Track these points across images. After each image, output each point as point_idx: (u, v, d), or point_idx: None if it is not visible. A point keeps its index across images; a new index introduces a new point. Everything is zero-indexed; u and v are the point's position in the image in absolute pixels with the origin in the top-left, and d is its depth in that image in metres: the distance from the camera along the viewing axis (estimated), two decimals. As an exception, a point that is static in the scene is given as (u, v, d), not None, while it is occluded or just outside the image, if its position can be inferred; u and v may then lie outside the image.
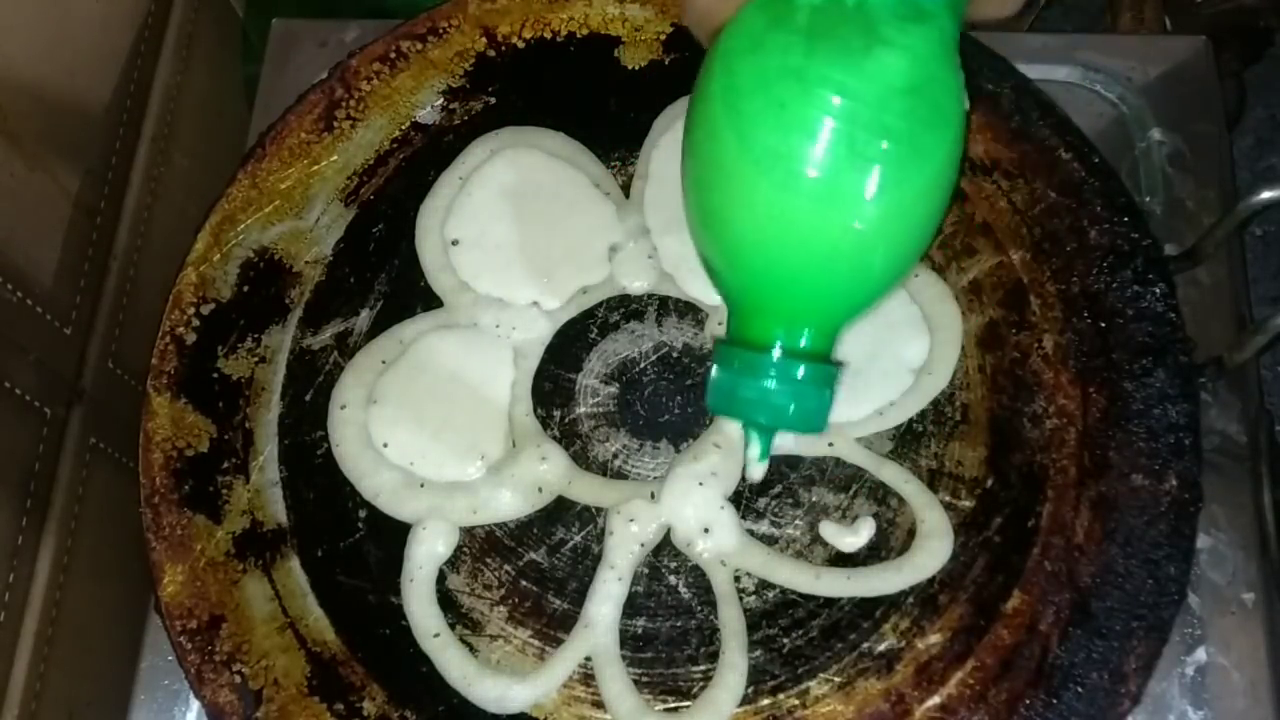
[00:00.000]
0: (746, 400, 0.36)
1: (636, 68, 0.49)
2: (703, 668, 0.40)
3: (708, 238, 0.36)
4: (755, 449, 0.39)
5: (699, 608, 0.41)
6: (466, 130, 0.48)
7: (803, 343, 0.36)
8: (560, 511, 0.43)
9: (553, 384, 0.44)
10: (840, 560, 0.41)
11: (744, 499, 0.42)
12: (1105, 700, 0.38)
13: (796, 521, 0.42)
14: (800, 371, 0.36)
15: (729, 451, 0.42)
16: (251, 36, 0.61)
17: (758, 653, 0.40)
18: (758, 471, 0.39)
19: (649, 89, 0.48)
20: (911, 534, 0.41)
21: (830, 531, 0.41)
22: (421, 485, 0.42)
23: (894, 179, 0.33)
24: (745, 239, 0.35)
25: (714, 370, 0.37)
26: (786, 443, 0.42)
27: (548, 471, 0.43)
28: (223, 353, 0.45)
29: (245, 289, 0.46)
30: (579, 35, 0.49)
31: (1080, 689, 0.38)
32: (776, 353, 0.36)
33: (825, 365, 0.37)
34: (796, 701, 0.39)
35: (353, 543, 0.43)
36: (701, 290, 0.45)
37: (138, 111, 0.54)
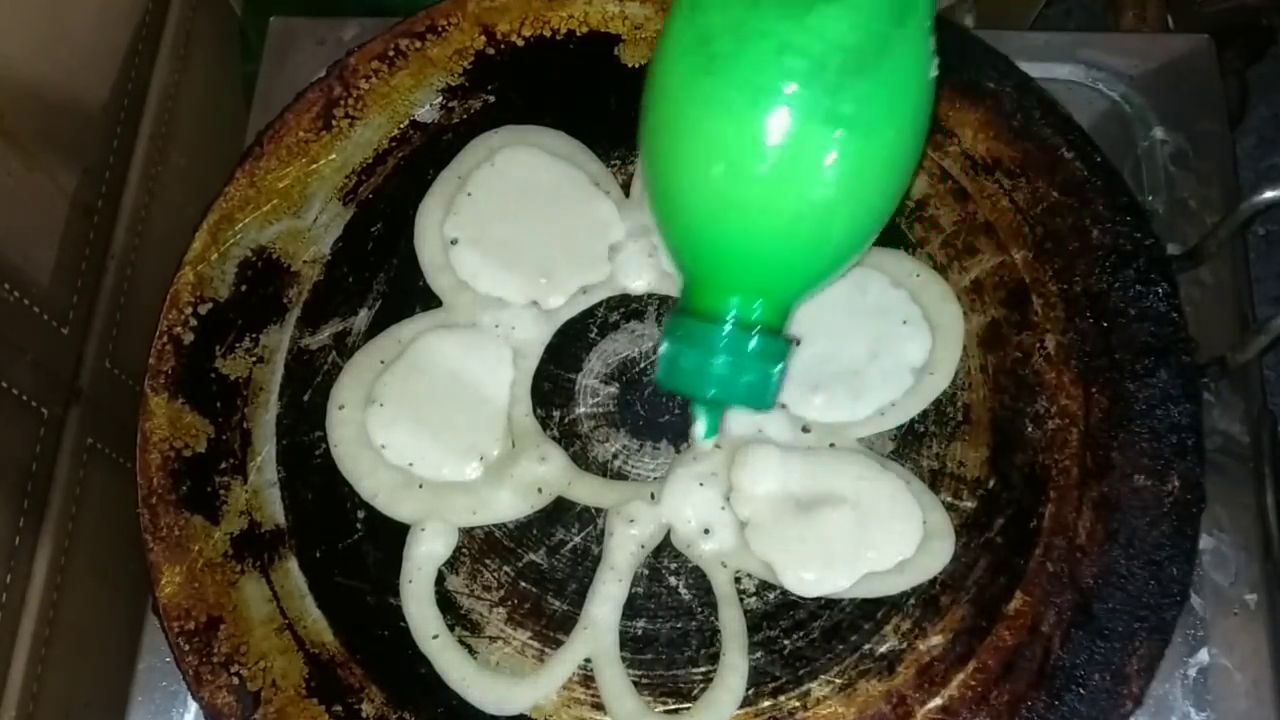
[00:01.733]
0: (692, 372, 0.35)
1: (636, 66, 0.49)
2: (703, 669, 0.40)
3: (662, 207, 0.36)
4: (701, 425, 0.38)
5: (699, 609, 0.41)
6: (466, 129, 0.48)
7: (756, 315, 0.35)
8: (560, 512, 0.42)
9: (552, 384, 0.44)
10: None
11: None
12: (1107, 702, 0.38)
13: (797, 522, 0.41)
14: (751, 344, 0.35)
15: (729, 452, 0.42)
16: (249, 35, 0.61)
17: (758, 654, 0.40)
18: (704, 446, 0.38)
19: (649, 87, 0.48)
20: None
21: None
22: (420, 486, 0.42)
23: (849, 145, 0.32)
24: (699, 209, 0.34)
25: (664, 343, 0.36)
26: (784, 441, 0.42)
27: (547, 472, 0.42)
28: (220, 352, 0.45)
29: (243, 288, 0.46)
30: (579, 33, 0.49)
31: (1082, 690, 0.38)
32: (728, 325, 0.35)
33: (776, 340, 0.35)
34: (797, 703, 0.39)
35: (351, 544, 0.42)
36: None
37: (135, 110, 0.54)
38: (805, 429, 0.42)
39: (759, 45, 0.31)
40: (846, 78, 0.31)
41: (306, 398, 0.44)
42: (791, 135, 0.32)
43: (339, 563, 0.42)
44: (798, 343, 0.39)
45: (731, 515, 0.41)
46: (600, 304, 0.45)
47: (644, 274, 0.45)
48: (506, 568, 0.42)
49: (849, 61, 0.31)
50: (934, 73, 0.34)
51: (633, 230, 0.46)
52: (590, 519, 0.42)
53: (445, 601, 0.41)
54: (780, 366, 0.36)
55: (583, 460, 0.43)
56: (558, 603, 0.41)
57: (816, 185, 0.32)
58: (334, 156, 0.47)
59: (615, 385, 0.44)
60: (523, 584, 0.41)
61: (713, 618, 0.40)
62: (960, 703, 0.38)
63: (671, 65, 0.33)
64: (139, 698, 0.43)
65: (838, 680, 0.39)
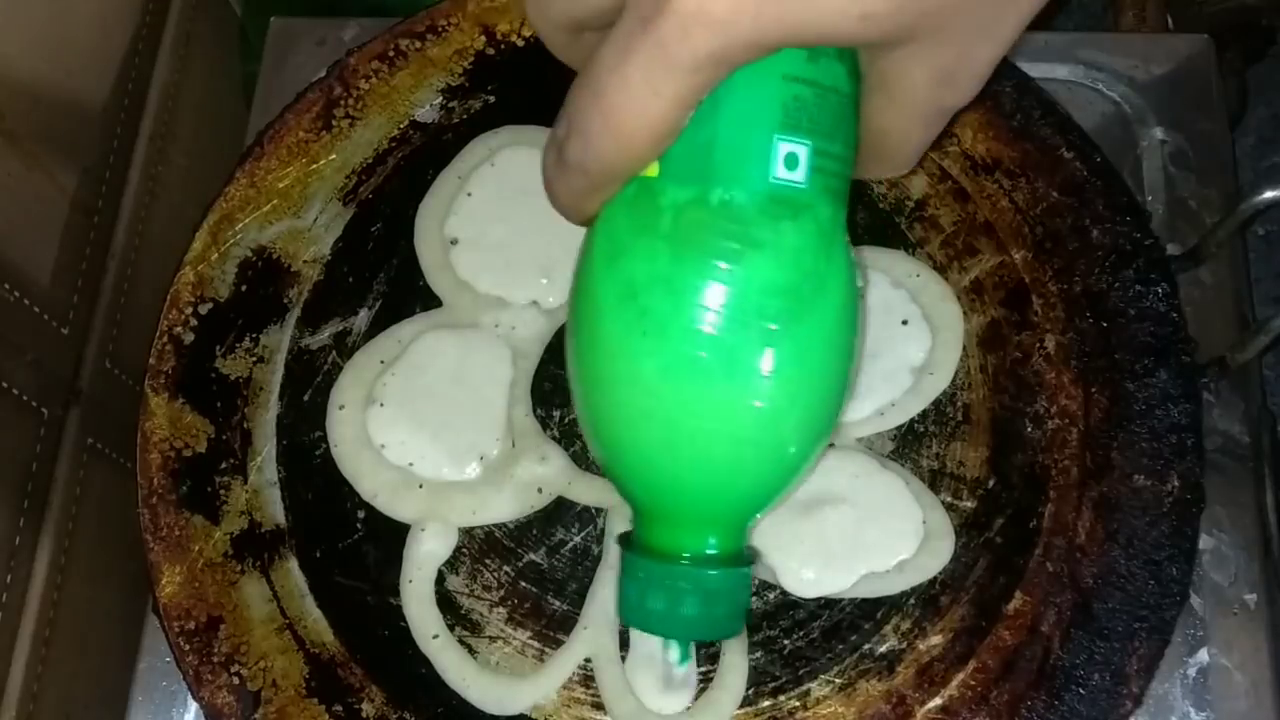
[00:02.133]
0: (658, 614, 0.34)
1: (636, 66, 0.49)
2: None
3: (599, 444, 0.34)
4: (674, 654, 0.38)
5: (699, 609, 0.41)
6: (466, 129, 0.48)
7: (711, 548, 0.34)
8: (560, 512, 0.42)
9: (552, 384, 0.44)
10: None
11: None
12: (1107, 701, 0.38)
13: (797, 522, 0.41)
14: (716, 580, 0.34)
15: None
16: (250, 35, 0.61)
17: (758, 654, 0.40)
18: (679, 675, 0.38)
19: (649, 88, 0.48)
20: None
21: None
22: (420, 486, 0.42)
23: (787, 384, 0.31)
24: (638, 449, 0.33)
25: (622, 582, 0.35)
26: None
27: (547, 472, 0.42)
28: (221, 352, 0.45)
29: (243, 288, 0.46)
30: (579, 34, 0.49)
31: (1082, 690, 0.38)
32: (687, 563, 0.34)
33: (736, 570, 0.35)
34: (797, 703, 0.39)
35: (351, 543, 0.42)
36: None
37: (135, 110, 0.54)
38: (805, 429, 0.42)
39: (690, 301, 0.30)
40: (781, 320, 0.31)
41: (306, 398, 0.44)
42: (730, 382, 0.31)
43: (339, 562, 0.42)
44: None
45: (731, 515, 0.41)
46: (600, 304, 0.45)
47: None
48: (506, 568, 0.42)
49: (784, 305, 0.31)
50: (860, 283, 0.34)
51: (633, 230, 0.46)
52: (590, 519, 0.42)
53: (445, 601, 0.41)
54: (743, 595, 0.35)
55: (583, 460, 0.43)
56: (558, 603, 0.41)
57: (756, 424, 0.32)
58: (334, 156, 0.47)
59: (615, 385, 0.44)
60: (523, 584, 0.41)
61: (713, 618, 0.40)
62: (960, 702, 0.38)
63: (599, 315, 0.32)
64: (139, 697, 0.43)
65: (837, 680, 0.39)
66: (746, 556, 0.35)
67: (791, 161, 0.31)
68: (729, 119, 0.30)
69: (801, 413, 0.32)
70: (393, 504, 0.42)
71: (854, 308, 0.33)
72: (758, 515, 0.36)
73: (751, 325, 0.31)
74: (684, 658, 0.38)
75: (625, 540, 0.36)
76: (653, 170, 0.31)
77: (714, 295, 0.30)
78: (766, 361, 0.31)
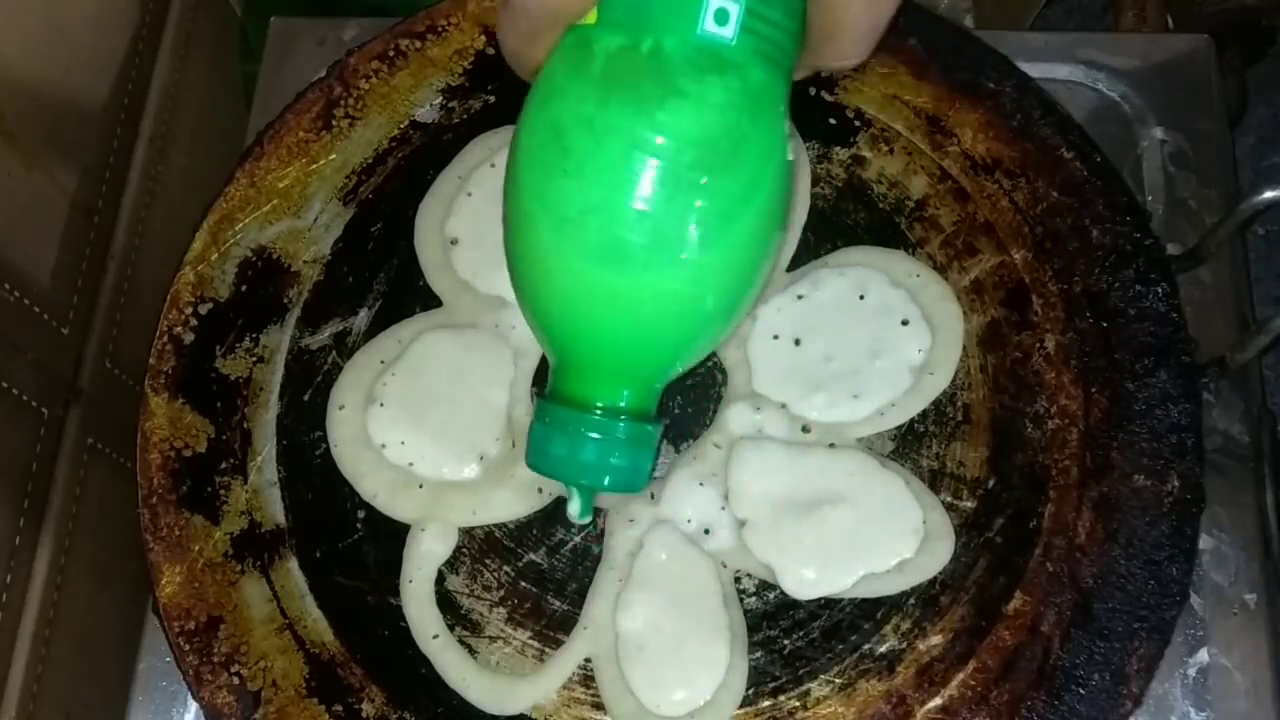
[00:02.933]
0: (563, 459, 0.35)
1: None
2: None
3: (523, 295, 0.35)
4: (575, 505, 0.38)
5: (699, 609, 0.41)
6: (466, 129, 0.48)
7: (623, 402, 0.35)
8: (560, 512, 0.42)
9: (552, 384, 0.44)
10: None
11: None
12: (1107, 701, 0.38)
13: (797, 522, 0.41)
14: (620, 431, 0.35)
15: (729, 452, 0.42)
16: (250, 35, 0.61)
17: (758, 654, 0.40)
18: (580, 522, 0.39)
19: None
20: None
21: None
22: (420, 486, 0.42)
23: (706, 237, 0.32)
24: (559, 302, 0.34)
25: (531, 426, 0.36)
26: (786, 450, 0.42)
27: (547, 472, 0.42)
28: (221, 352, 0.45)
29: (243, 288, 0.46)
30: (579, 33, 0.49)
31: (1082, 690, 0.38)
32: (596, 413, 0.35)
33: (644, 425, 0.36)
34: (797, 703, 0.39)
35: (351, 543, 0.42)
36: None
37: (135, 110, 0.54)
38: (805, 429, 0.42)
39: (611, 142, 0.31)
40: (699, 173, 0.31)
41: (306, 398, 0.44)
42: (647, 232, 0.32)
43: (339, 563, 0.42)
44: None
45: (731, 515, 0.41)
46: (600, 304, 0.45)
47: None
48: (506, 568, 0.42)
49: (702, 157, 0.31)
50: (791, 156, 0.34)
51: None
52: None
53: (445, 601, 0.41)
54: (648, 451, 0.37)
55: (583, 460, 0.43)
56: (558, 603, 0.41)
57: (674, 278, 0.33)
58: (334, 156, 0.47)
59: (615, 385, 0.44)
60: (523, 584, 0.41)
61: (713, 618, 0.40)
62: (960, 702, 0.38)
63: (528, 158, 0.33)
64: (139, 697, 0.43)
65: (837, 680, 0.39)
66: (655, 417, 0.37)
67: (722, 17, 0.31)
68: None
69: (719, 266, 0.33)
70: (393, 504, 0.42)
71: (781, 177, 0.34)
72: (670, 372, 0.36)
73: (670, 173, 0.31)
74: (584, 510, 0.38)
75: (542, 389, 0.37)
76: (591, 18, 0.32)
77: (634, 140, 0.31)
78: (684, 211, 0.32)
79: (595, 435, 0.35)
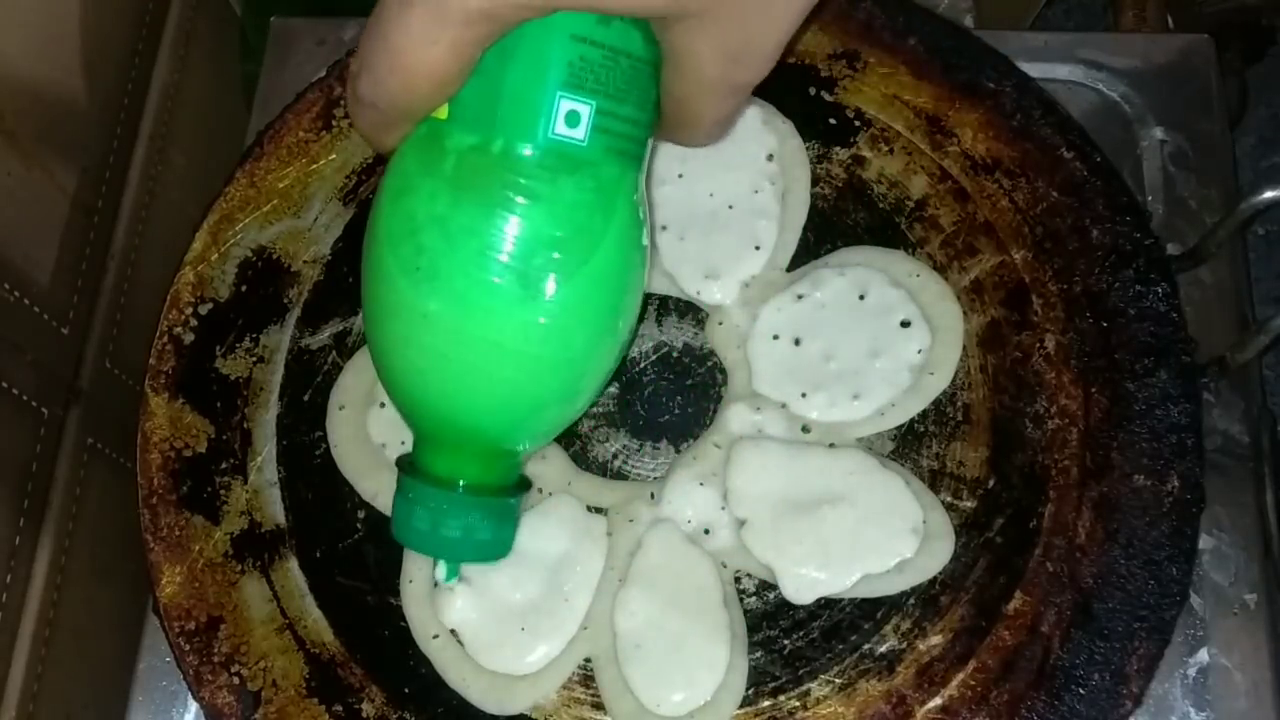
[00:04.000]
0: (426, 534, 0.36)
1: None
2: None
3: (382, 371, 0.36)
4: (442, 570, 0.40)
5: (699, 609, 0.41)
6: (466, 129, 0.48)
7: (483, 477, 0.36)
8: (560, 512, 0.42)
9: (552, 384, 0.44)
10: (841, 561, 0.41)
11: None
12: (1107, 701, 0.38)
13: (797, 522, 0.41)
14: (480, 507, 0.36)
15: (729, 452, 0.42)
16: (250, 35, 0.61)
17: (758, 654, 0.40)
18: (447, 585, 0.40)
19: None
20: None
21: None
22: (420, 486, 0.42)
23: (545, 327, 0.33)
24: (411, 377, 0.34)
25: (395, 500, 0.37)
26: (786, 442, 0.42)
27: (547, 471, 0.42)
28: (221, 352, 0.45)
29: (243, 288, 0.46)
30: (579, 33, 0.49)
31: (1082, 690, 0.38)
32: (458, 488, 0.36)
33: (503, 500, 0.37)
34: (797, 703, 0.39)
35: (351, 543, 0.42)
36: (702, 289, 0.44)
37: (136, 110, 0.54)
38: (805, 429, 0.42)
39: (464, 244, 0.32)
40: (550, 274, 0.32)
41: (307, 398, 0.44)
42: (496, 330, 0.33)
43: (339, 562, 0.42)
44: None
45: (731, 515, 0.41)
46: (600, 304, 0.45)
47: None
48: (506, 568, 0.42)
49: (554, 256, 0.32)
50: (645, 242, 0.35)
51: (633, 230, 0.46)
52: (590, 519, 0.42)
53: (445, 601, 0.41)
54: (509, 525, 0.38)
55: (582, 460, 0.43)
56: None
57: (522, 371, 0.34)
58: (334, 156, 0.47)
59: (615, 385, 0.44)
60: (523, 584, 0.41)
61: (713, 618, 0.40)
62: (960, 702, 0.38)
63: (381, 247, 0.34)
64: (139, 698, 0.43)
65: (837, 680, 0.39)
66: (515, 489, 0.38)
67: (573, 119, 0.32)
68: (514, 72, 0.31)
69: (562, 360, 0.34)
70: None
71: (632, 268, 0.35)
72: (523, 445, 0.37)
73: (520, 273, 0.32)
74: (450, 574, 0.40)
75: (402, 462, 0.38)
76: (443, 113, 0.33)
77: (487, 241, 0.32)
78: (533, 310, 0.32)
79: (456, 512, 0.36)
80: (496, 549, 0.38)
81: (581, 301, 0.33)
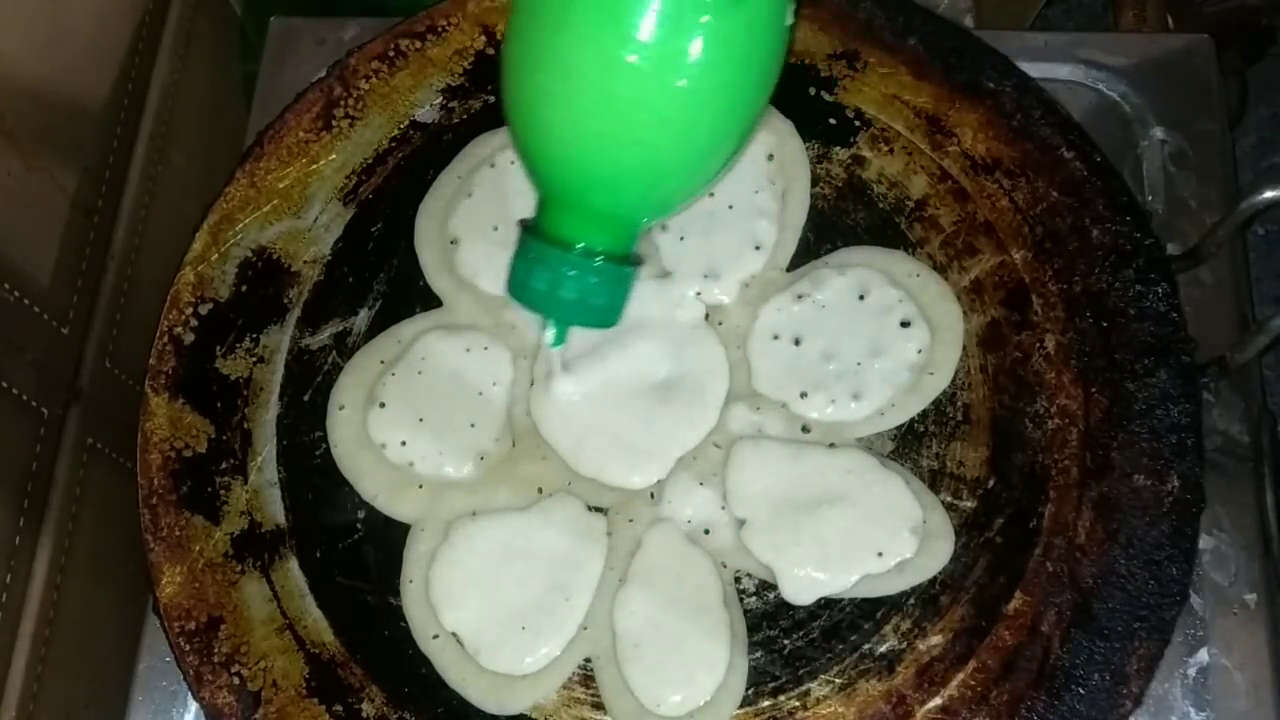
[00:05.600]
0: (542, 294, 0.37)
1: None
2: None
3: (518, 123, 0.37)
4: (551, 334, 0.40)
5: (699, 609, 0.41)
6: (466, 129, 0.48)
7: (603, 243, 0.37)
8: (560, 512, 0.42)
9: (552, 384, 0.44)
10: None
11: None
12: (1107, 701, 0.38)
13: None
14: (598, 270, 0.37)
15: (729, 452, 0.42)
16: (250, 35, 0.61)
17: (758, 654, 0.40)
18: (553, 351, 0.40)
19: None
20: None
21: None
22: (420, 486, 0.42)
23: (697, 67, 0.33)
24: (554, 125, 0.35)
25: (514, 259, 0.38)
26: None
27: (547, 471, 0.42)
28: (221, 353, 0.45)
29: (243, 289, 0.46)
30: (579, 33, 0.49)
31: (1082, 690, 0.38)
32: (576, 252, 0.37)
33: (620, 266, 0.38)
34: (797, 703, 0.39)
35: (351, 543, 0.42)
36: (702, 289, 0.44)
37: (135, 110, 0.54)
38: (805, 428, 0.42)
39: None
40: (696, 36, 0.33)
41: (307, 398, 0.44)
42: (648, 65, 0.33)
43: (339, 563, 0.42)
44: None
45: (731, 515, 0.41)
46: (600, 304, 0.45)
47: (644, 272, 0.45)
48: (506, 568, 0.42)
49: (701, 26, 0.33)
50: (790, 20, 0.36)
51: (633, 230, 0.46)
52: (590, 519, 0.42)
53: (445, 601, 0.41)
54: (622, 289, 0.38)
55: (583, 460, 0.43)
56: (558, 603, 0.41)
57: (654, 131, 0.34)
58: (334, 157, 0.47)
59: (615, 385, 0.44)
60: (523, 584, 0.41)
61: (713, 618, 0.40)
62: (960, 702, 0.38)
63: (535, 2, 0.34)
64: (139, 697, 0.43)
65: (837, 680, 0.39)
66: (633, 259, 0.38)
67: None
68: None
69: (693, 128, 0.35)
70: (393, 504, 0.42)
71: (770, 52, 0.35)
72: (650, 218, 0.38)
73: (676, 8, 0.32)
74: (558, 339, 0.40)
75: (526, 223, 0.38)
76: None
77: None
78: (689, 45, 0.33)
79: (575, 274, 0.37)
80: (608, 315, 0.38)
81: (720, 69, 0.34)
